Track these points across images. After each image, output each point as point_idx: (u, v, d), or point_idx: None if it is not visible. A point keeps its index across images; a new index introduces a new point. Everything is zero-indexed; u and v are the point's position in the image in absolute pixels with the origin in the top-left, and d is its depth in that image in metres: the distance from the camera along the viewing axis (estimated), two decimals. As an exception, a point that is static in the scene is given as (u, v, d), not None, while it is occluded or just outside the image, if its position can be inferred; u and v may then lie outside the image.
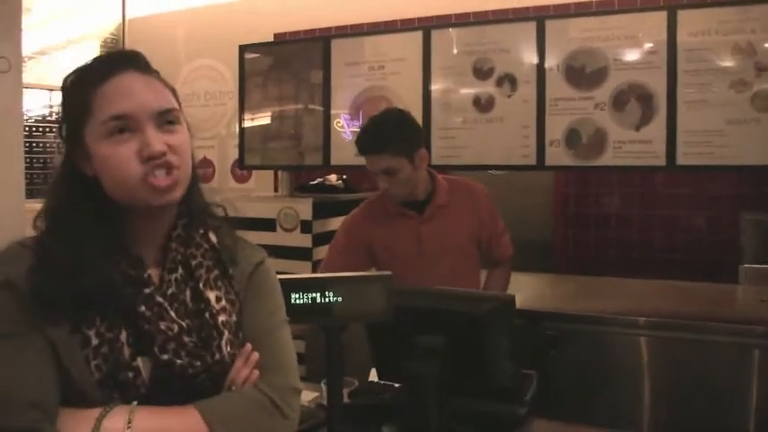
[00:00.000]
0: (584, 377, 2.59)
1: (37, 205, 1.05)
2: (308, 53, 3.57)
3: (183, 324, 1.00)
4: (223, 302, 1.05)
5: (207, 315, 1.03)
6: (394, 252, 2.37)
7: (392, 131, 2.25)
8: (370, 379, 1.85)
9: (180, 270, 1.04)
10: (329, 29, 4.30)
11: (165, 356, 0.97)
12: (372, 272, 1.43)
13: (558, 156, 3.02)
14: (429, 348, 1.25)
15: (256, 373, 1.05)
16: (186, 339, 1.00)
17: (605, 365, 2.63)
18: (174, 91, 1.06)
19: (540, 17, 3.06)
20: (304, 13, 4.52)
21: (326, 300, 1.17)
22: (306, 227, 3.34)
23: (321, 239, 3.38)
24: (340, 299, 1.17)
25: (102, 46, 5.51)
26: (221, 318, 1.03)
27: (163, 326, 0.98)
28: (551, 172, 3.77)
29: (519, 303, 1.59)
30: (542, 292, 3.22)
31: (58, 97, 4.37)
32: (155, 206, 0.99)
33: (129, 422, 0.93)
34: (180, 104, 1.05)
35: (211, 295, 1.04)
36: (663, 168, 2.87)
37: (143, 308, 0.98)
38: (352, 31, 4.04)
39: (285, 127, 3.64)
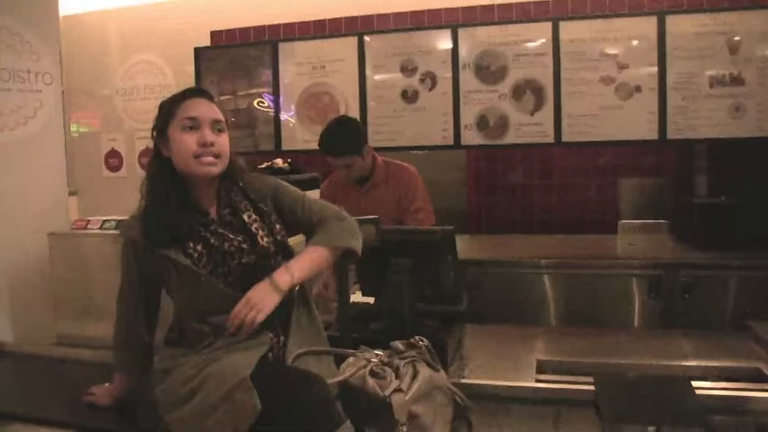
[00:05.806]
0: (501, 306, 3.31)
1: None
2: (258, 54, 4.13)
3: (239, 238, 1.64)
4: (254, 217, 1.68)
5: (247, 227, 1.66)
6: None
7: (348, 138, 2.91)
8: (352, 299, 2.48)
9: (227, 209, 1.68)
10: (263, 27, 4.72)
11: (232, 248, 1.63)
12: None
13: (471, 137, 3.76)
14: (402, 266, 1.90)
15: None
16: (240, 240, 1.64)
17: (517, 299, 3.37)
18: (222, 112, 1.71)
19: (453, 26, 3.78)
20: (239, 11, 4.78)
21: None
22: (264, 203, 3.86)
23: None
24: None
25: (35, 42, 5.69)
26: (254, 226, 1.66)
27: (229, 238, 1.64)
28: (465, 150, 4.38)
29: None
30: (462, 247, 3.77)
31: None
32: (200, 175, 1.61)
33: (292, 274, 1.57)
34: (226, 120, 1.69)
35: (245, 216, 1.67)
36: (552, 145, 3.66)
37: (212, 240, 1.63)
38: (293, 35, 4.52)
39: (240, 119, 4.19)
